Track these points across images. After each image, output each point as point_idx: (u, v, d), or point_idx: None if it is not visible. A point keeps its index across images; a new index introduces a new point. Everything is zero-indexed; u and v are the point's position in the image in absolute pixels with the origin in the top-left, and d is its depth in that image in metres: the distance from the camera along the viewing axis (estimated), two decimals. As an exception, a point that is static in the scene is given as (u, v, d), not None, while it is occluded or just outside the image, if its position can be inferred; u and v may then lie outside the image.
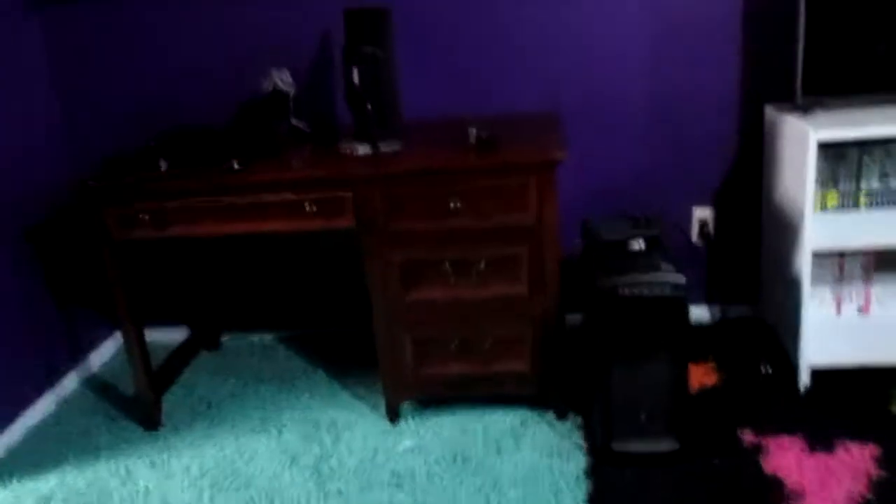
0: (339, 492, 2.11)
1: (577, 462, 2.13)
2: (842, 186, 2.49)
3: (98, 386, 2.83)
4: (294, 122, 2.48)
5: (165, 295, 3.01)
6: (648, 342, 2.00)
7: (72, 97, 2.82)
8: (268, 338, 3.01)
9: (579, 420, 2.31)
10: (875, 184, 2.48)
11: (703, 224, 2.71)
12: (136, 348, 2.41)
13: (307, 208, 2.17)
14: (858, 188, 2.48)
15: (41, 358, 2.69)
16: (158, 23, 2.69)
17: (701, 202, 2.70)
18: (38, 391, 2.66)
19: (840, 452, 2.08)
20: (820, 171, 2.43)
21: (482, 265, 2.17)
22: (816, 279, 2.50)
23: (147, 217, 2.26)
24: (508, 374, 2.29)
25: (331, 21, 2.57)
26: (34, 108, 2.74)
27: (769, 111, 2.51)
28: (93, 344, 2.98)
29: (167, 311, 3.02)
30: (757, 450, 2.12)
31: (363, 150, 2.24)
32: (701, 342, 2.65)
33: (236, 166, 2.19)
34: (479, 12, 2.57)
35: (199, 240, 2.88)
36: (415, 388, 2.35)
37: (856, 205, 2.50)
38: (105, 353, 3.03)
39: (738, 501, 1.95)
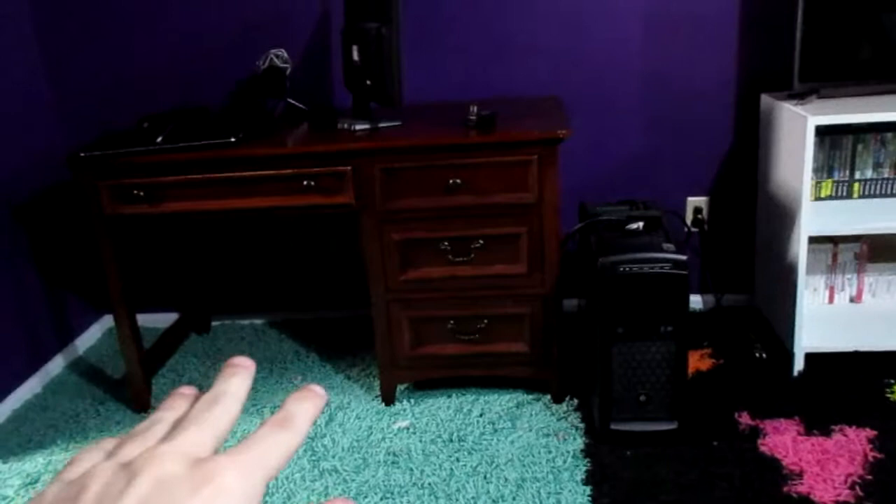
0: (335, 469, 2.07)
1: (575, 442, 2.11)
2: (836, 175, 2.51)
3: (84, 369, 2.78)
4: (291, 100, 2.46)
5: (155, 278, 2.97)
6: (649, 320, 2.00)
7: (61, 73, 2.77)
8: (258, 322, 2.97)
9: (575, 403, 2.29)
10: (869, 173, 2.50)
11: (697, 212, 2.72)
12: (127, 325, 2.37)
13: (305, 184, 2.15)
14: (853, 177, 2.51)
15: (27, 340, 2.64)
16: None
17: (695, 191, 2.71)
18: (24, 373, 2.61)
19: (836, 435, 2.08)
20: (815, 160, 2.45)
21: (481, 243, 2.16)
22: (810, 268, 2.52)
23: (141, 192, 2.22)
24: (505, 354, 2.27)
25: None
26: (20, 84, 2.68)
27: (765, 99, 2.52)
28: (79, 327, 2.92)
29: (157, 296, 2.97)
30: (754, 432, 2.12)
31: (361, 126, 2.23)
32: (696, 329, 2.65)
33: (233, 140, 2.17)
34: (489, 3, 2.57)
35: (191, 221, 2.84)
36: (411, 369, 2.33)
37: (849, 194, 2.52)
38: (91, 337, 2.97)
39: (737, 482, 1.94)
